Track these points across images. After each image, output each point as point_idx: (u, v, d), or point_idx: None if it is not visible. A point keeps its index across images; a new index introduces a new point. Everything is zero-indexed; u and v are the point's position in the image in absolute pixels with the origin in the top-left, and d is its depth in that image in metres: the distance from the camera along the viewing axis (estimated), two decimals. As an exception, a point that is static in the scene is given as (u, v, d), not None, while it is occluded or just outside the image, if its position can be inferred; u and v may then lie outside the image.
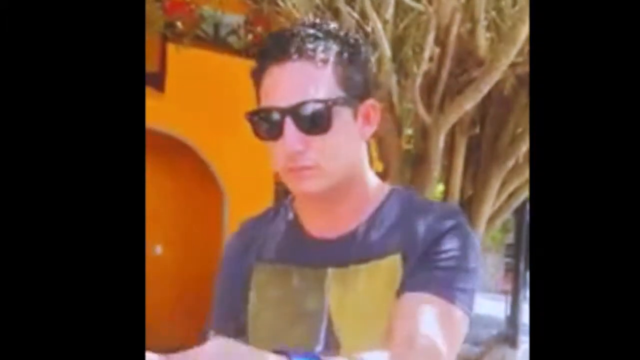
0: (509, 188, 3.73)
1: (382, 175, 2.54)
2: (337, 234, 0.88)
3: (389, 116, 2.89)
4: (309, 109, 0.79)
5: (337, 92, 0.81)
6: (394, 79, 2.81)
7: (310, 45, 0.80)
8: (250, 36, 4.93)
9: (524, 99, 3.32)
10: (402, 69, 3.03)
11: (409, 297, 0.82)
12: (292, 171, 0.82)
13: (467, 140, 3.34)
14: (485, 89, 2.89)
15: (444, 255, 0.85)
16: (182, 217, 5.81)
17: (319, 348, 0.83)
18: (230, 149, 5.55)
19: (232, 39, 5.52)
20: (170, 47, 4.89)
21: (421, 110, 2.86)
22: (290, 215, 0.91)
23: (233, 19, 5.66)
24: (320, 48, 0.81)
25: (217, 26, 5.66)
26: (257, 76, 0.83)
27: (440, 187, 3.92)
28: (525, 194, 4.07)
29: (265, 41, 0.84)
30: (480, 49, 2.93)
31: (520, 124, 3.40)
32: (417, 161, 3.16)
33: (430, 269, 0.84)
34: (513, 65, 2.95)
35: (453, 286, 0.84)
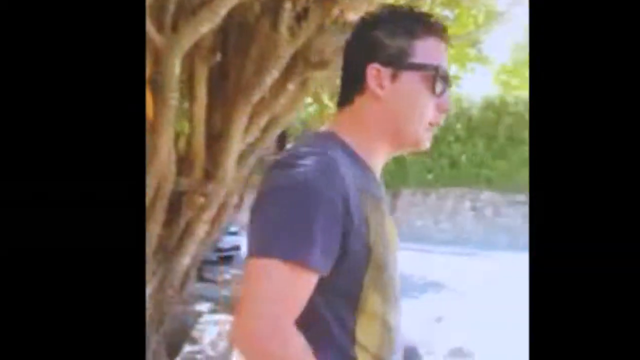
0: (259, 122, 3.65)
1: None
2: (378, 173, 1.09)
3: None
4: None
5: None
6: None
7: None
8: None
9: (267, 28, 3.22)
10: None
11: None
12: (431, 126, 1.04)
13: (208, 69, 3.16)
14: (222, 11, 2.71)
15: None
16: None
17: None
18: None
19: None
20: None
21: (151, 29, 2.60)
22: (357, 158, 1.03)
23: None
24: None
25: None
26: (413, 35, 1.02)
27: (185, 124, 3.72)
28: (279, 129, 4.04)
29: (428, 18, 1.05)
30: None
31: (264, 55, 3.29)
32: (154, 89, 2.91)
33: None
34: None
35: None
